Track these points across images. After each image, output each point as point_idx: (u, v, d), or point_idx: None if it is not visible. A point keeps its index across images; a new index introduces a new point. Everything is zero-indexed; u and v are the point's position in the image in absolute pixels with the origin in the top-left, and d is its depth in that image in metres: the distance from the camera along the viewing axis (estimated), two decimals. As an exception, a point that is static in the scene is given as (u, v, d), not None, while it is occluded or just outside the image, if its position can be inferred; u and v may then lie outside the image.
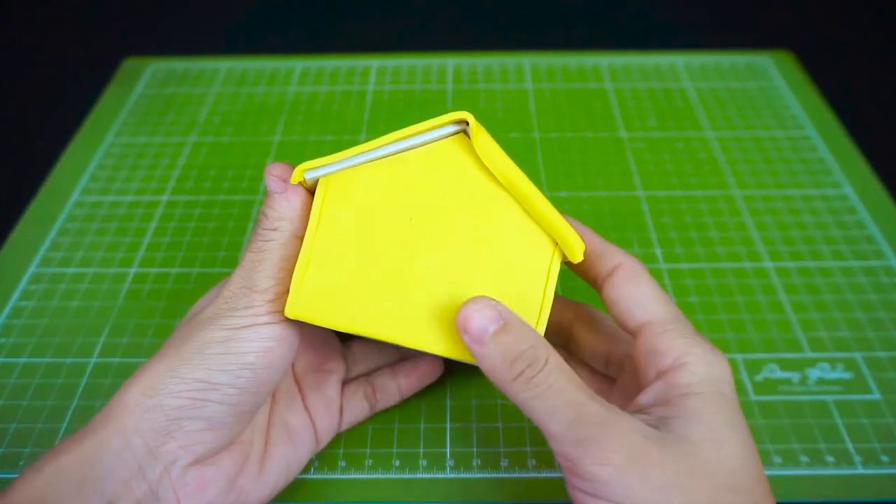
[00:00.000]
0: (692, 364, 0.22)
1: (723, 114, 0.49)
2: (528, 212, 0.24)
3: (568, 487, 0.21)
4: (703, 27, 0.60)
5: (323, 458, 0.30)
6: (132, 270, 0.39)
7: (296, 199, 0.23)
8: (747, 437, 0.21)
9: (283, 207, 0.23)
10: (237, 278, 0.23)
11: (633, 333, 0.24)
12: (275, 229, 0.23)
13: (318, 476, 0.30)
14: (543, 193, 0.24)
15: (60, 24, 0.62)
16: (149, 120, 0.50)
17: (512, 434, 0.31)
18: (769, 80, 0.52)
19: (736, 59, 0.55)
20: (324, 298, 0.23)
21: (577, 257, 0.23)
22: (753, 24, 0.60)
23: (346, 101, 0.51)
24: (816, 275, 0.38)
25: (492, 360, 0.21)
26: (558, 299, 0.30)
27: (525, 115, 0.49)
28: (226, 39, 0.60)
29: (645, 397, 0.23)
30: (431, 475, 0.30)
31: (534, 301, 0.23)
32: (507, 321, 0.22)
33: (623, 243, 0.40)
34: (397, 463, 0.30)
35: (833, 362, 0.34)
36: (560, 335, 0.30)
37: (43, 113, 0.53)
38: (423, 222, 0.24)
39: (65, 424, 0.32)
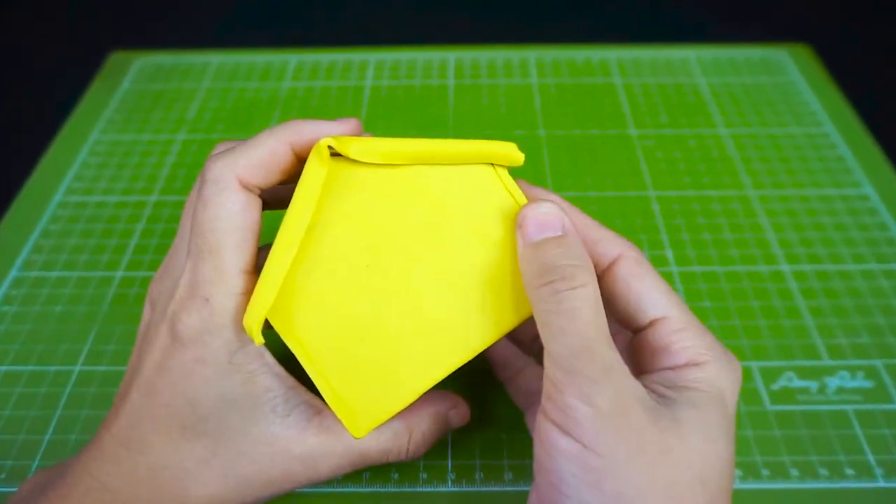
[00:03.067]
0: (706, 366, 0.22)
1: (737, 110, 0.50)
2: (450, 162, 0.24)
3: (537, 416, 0.21)
4: (716, 19, 0.60)
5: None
6: (119, 274, 0.39)
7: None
8: (733, 451, 0.22)
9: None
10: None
11: (638, 328, 0.24)
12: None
13: (314, 490, 0.30)
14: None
15: (43, 16, 0.62)
16: (136, 116, 0.50)
17: (517, 446, 0.31)
18: (786, 75, 0.53)
19: (751, 53, 0.55)
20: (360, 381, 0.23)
21: (517, 159, 0.24)
22: (769, 16, 0.61)
23: (343, 97, 0.51)
24: (835, 278, 0.38)
25: (530, 265, 0.22)
26: None
27: (530, 111, 0.50)
28: (216, 32, 0.60)
29: (651, 378, 0.23)
30: (432, 489, 0.30)
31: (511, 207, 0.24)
32: (567, 233, 0.23)
33: (633, 246, 0.40)
34: (396, 476, 0.30)
35: (853, 370, 0.34)
36: None
37: (25, 109, 0.53)
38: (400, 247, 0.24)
39: (48, 435, 0.32)
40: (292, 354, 0.23)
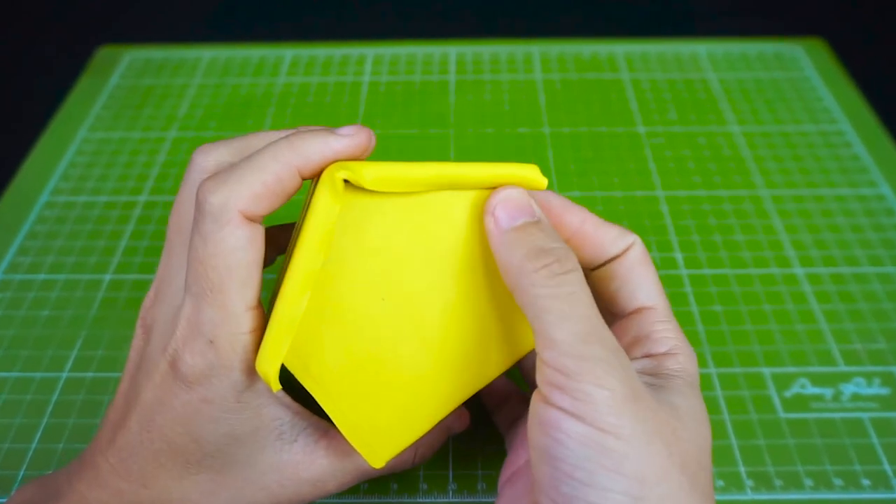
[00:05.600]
0: (681, 357, 0.23)
1: (749, 107, 0.50)
2: (468, 187, 0.23)
3: (536, 406, 0.21)
4: (727, 12, 0.60)
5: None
6: (107, 277, 0.39)
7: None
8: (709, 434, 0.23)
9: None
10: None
11: (622, 314, 0.25)
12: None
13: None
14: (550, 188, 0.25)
15: (28, 9, 0.62)
16: (125, 113, 0.50)
17: (520, 455, 0.31)
18: (800, 70, 0.53)
19: (763, 47, 0.55)
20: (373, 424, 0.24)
21: (540, 183, 0.24)
22: (783, 9, 0.61)
23: (340, 93, 0.51)
24: (851, 282, 0.39)
25: (514, 249, 0.22)
26: None
27: (534, 107, 0.50)
28: (208, 26, 0.60)
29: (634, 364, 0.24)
30: (433, 499, 0.30)
31: None
32: (542, 220, 0.23)
33: (641, 247, 0.40)
34: (395, 486, 0.31)
35: (869, 377, 0.34)
36: None
37: (9, 106, 0.53)
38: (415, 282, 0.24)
39: (34, 444, 0.32)
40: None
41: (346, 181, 0.21)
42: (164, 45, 0.56)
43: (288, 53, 0.55)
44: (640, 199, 0.43)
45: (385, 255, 0.23)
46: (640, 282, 0.25)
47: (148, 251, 0.41)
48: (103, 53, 0.55)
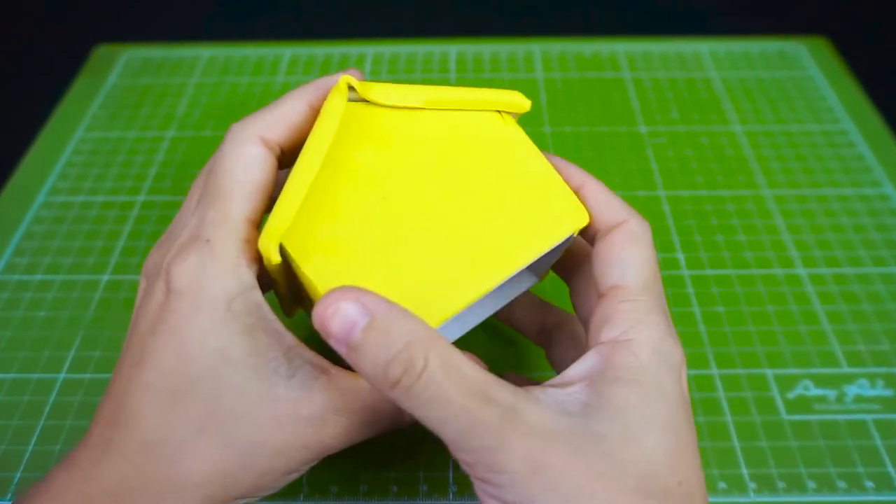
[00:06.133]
0: (636, 344, 0.22)
1: (752, 106, 0.50)
2: (459, 108, 0.26)
3: (476, 488, 0.21)
4: (730, 11, 0.60)
5: (312, 483, 0.31)
6: (105, 277, 0.39)
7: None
8: (678, 436, 0.21)
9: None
10: None
11: (600, 296, 0.24)
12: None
13: None
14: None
15: (24, 9, 0.62)
16: (122, 113, 0.50)
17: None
18: (803, 69, 0.53)
19: (766, 46, 0.55)
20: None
21: (523, 106, 0.27)
22: (786, 8, 0.61)
23: (339, 92, 0.51)
24: (854, 282, 0.39)
25: (365, 367, 0.20)
26: None
27: (535, 107, 0.50)
28: (206, 24, 0.60)
29: (576, 369, 0.22)
30: (433, 502, 0.30)
31: (541, 171, 0.26)
32: (374, 315, 0.19)
33: (642, 248, 0.40)
34: (395, 489, 0.31)
35: (872, 378, 0.34)
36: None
37: (6, 106, 0.53)
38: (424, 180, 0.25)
39: (31, 446, 0.32)
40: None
41: (350, 89, 0.25)
42: (162, 43, 0.56)
43: (287, 52, 0.55)
44: (642, 200, 0.43)
45: (383, 162, 0.25)
46: (617, 260, 0.24)
47: (146, 251, 0.41)
48: (100, 52, 0.55)
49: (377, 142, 0.25)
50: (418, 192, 0.25)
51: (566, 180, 0.26)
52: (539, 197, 0.25)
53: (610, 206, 0.25)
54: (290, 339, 0.24)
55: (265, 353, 0.23)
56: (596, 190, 0.25)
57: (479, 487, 0.21)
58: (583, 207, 0.25)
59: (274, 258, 0.22)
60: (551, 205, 0.25)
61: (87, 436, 0.23)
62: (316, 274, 0.23)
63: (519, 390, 0.21)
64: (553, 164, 0.26)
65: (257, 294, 0.23)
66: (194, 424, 0.22)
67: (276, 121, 0.25)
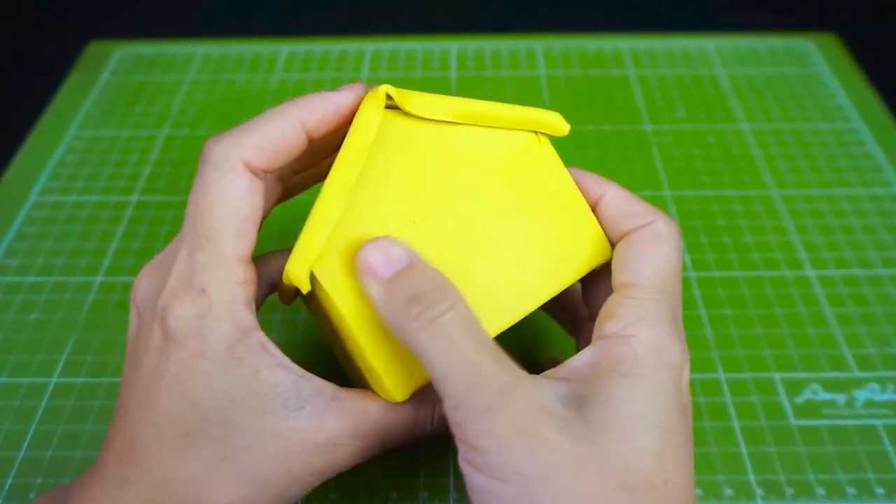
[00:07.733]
0: (635, 340, 0.22)
1: (759, 104, 0.50)
2: (497, 125, 0.26)
3: (458, 456, 0.22)
4: (737, 7, 0.61)
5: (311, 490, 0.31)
6: (98, 279, 0.39)
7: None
8: (669, 435, 0.21)
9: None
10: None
11: (613, 293, 0.25)
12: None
13: (307, 509, 0.30)
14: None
15: (17, 4, 0.62)
16: (116, 111, 0.50)
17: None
18: (811, 67, 0.53)
19: (774, 43, 0.55)
20: None
21: (561, 129, 0.26)
22: (793, 4, 0.61)
23: (337, 90, 0.51)
24: (864, 284, 0.39)
25: (390, 299, 0.22)
26: None
27: (538, 105, 0.50)
28: (201, 21, 0.60)
29: (575, 361, 0.23)
30: (433, 509, 0.30)
31: (570, 193, 0.26)
32: (412, 260, 0.22)
33: (647, 249, 0.40)
34: (394, 496, 0.31)
35: (883, 382, 0.34)
36: None
37: (-3, 103, 0.53)
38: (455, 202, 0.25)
39: (22, 452, 0.32)
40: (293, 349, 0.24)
41: (388, 97, 0.24)
42: (156, 40, 0.56)
43: (283, 49, 0.55)
44: (647, 200, 0.43)
45: (414, 180, 0.24)
46: (632, 258, 0.24)
47: (139, 252, 0.41)
48: (93, 49, 0.55)
49: (411, 157, 0.24)
50: (451, 214, 0.25)
51: (585, 191, 0.26)
52: (567, 229, 0.26)
53: (632, 214, 0.26)
54: (296, 370, 0.24)
55: (272, 391, 0.23)
56: (616, 196, 0.26)
57: (461, 452, 0.21)
58: (607, 243, 0.26)
59: (304, 287, 0.22)
60: (577, 239, 0.26)
61: (99, 468, 0.24)
62: (342, 304, 0.23)
63: (523, 371, 0.22)
64: (573, 176, 0.27)
65: (259, 334, 0.23)
66: (210, 463, 0.23)
67: (262, 145, 0.23)
